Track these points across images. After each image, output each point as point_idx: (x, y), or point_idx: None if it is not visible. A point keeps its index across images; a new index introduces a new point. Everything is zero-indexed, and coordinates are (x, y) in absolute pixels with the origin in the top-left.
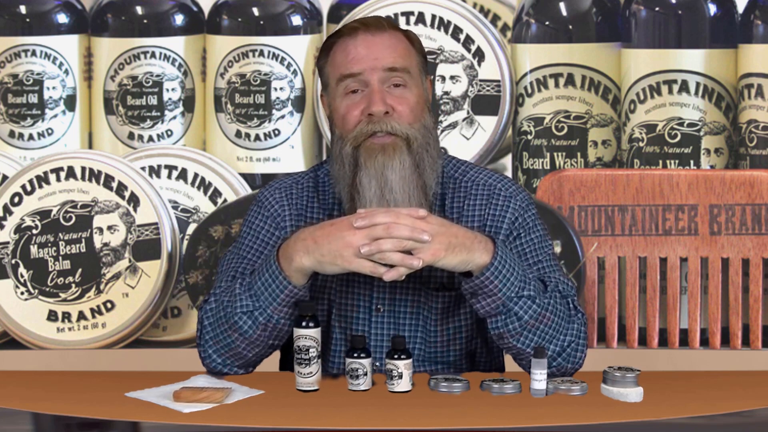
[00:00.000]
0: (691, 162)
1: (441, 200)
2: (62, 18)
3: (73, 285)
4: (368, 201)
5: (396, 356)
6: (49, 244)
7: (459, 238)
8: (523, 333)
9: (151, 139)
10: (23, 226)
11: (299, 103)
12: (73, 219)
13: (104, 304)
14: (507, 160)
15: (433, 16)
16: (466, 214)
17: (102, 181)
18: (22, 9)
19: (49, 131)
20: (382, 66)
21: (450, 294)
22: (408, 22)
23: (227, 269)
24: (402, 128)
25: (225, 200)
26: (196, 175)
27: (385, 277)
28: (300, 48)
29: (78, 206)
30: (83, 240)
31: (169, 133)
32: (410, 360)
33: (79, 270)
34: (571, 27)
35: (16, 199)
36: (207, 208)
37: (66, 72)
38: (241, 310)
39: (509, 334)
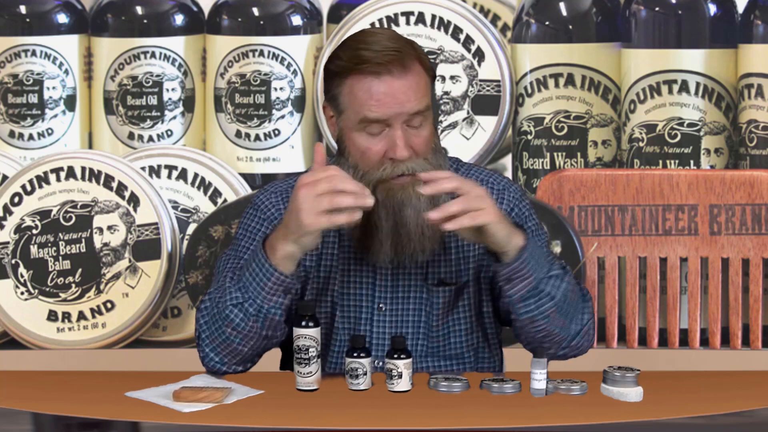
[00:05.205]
0: (691, 162)
1: None
2: (62, 18)
3: (73, 285)
4: (382, 231)
5: (396, 356)
6: (49, 244)
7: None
8: (554, 314)
9: (151, 139)
10: (23, 226)
11: (299, 103)
12: (73, 219)
13: (104, 304)
14: (507, 160)
15: (433, 16)
16: None
17: (102, 181)
18: (22, 9)
19: (49, 131)
20: (407, 111)
21: (450, 288)
22: (408, 22)
23: (223, 270)
24: (420, 167)
25: (225, 200)
26: (196, 175)
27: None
28: (300, 48)
29: (78, 206)
30: (83, 240)
31: (169, 133)
32: (410, 359)
33: (79, 270)
34: (571, 27)
35: (16, 199)
36: (207, 208)
37: (66, 72)
38: (231, 303)
39: (541, 316)
